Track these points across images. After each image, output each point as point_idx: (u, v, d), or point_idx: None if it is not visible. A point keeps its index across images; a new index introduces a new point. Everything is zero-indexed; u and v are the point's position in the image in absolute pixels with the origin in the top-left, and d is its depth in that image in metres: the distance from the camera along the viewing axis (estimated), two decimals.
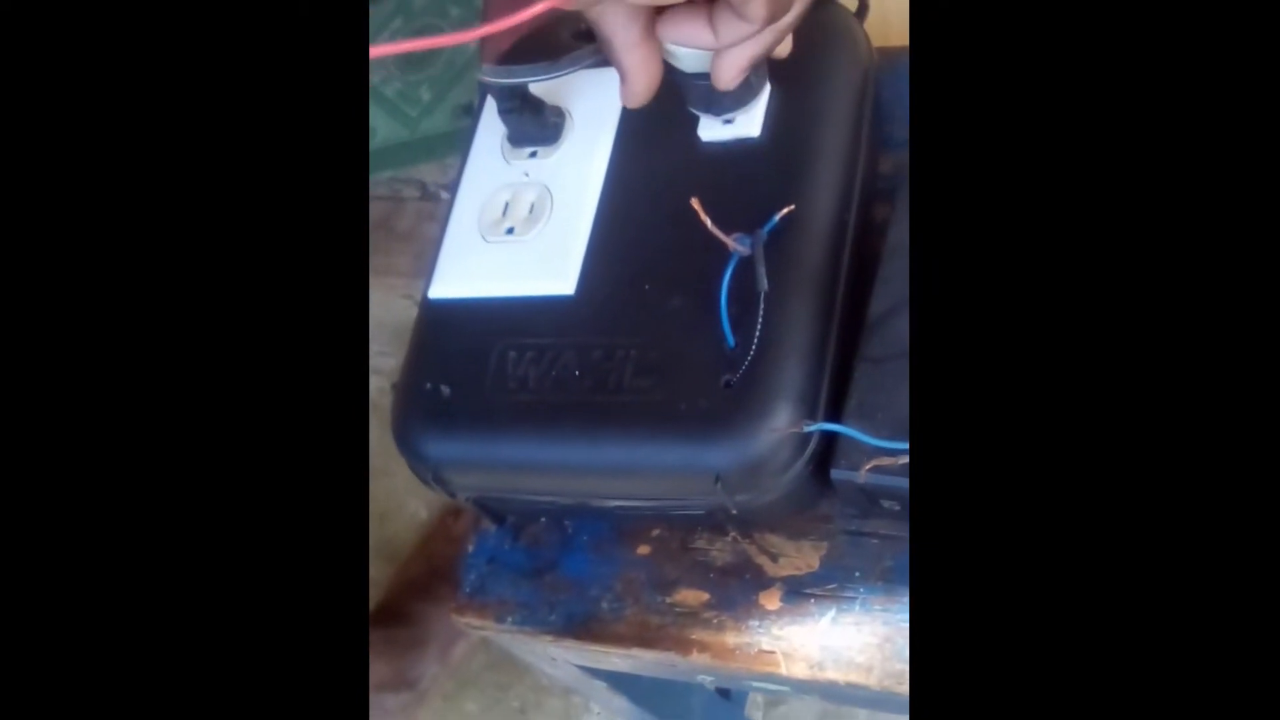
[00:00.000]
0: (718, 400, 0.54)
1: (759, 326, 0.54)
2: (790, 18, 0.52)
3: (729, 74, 0.53)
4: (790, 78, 0.59)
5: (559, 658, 0.69)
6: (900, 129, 0.67)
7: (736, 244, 0.54)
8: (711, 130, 0.60)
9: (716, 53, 0.52)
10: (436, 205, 1.45)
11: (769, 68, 0.59)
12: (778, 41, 0.53)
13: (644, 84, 0.53)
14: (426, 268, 0.64)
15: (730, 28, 0.50)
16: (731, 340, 0.54)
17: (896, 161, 0.66)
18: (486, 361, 0.59)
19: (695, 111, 0.58)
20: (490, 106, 0.65)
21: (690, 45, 0.51)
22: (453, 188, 0.65)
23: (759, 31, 0.51)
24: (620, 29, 0.51)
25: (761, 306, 0.54)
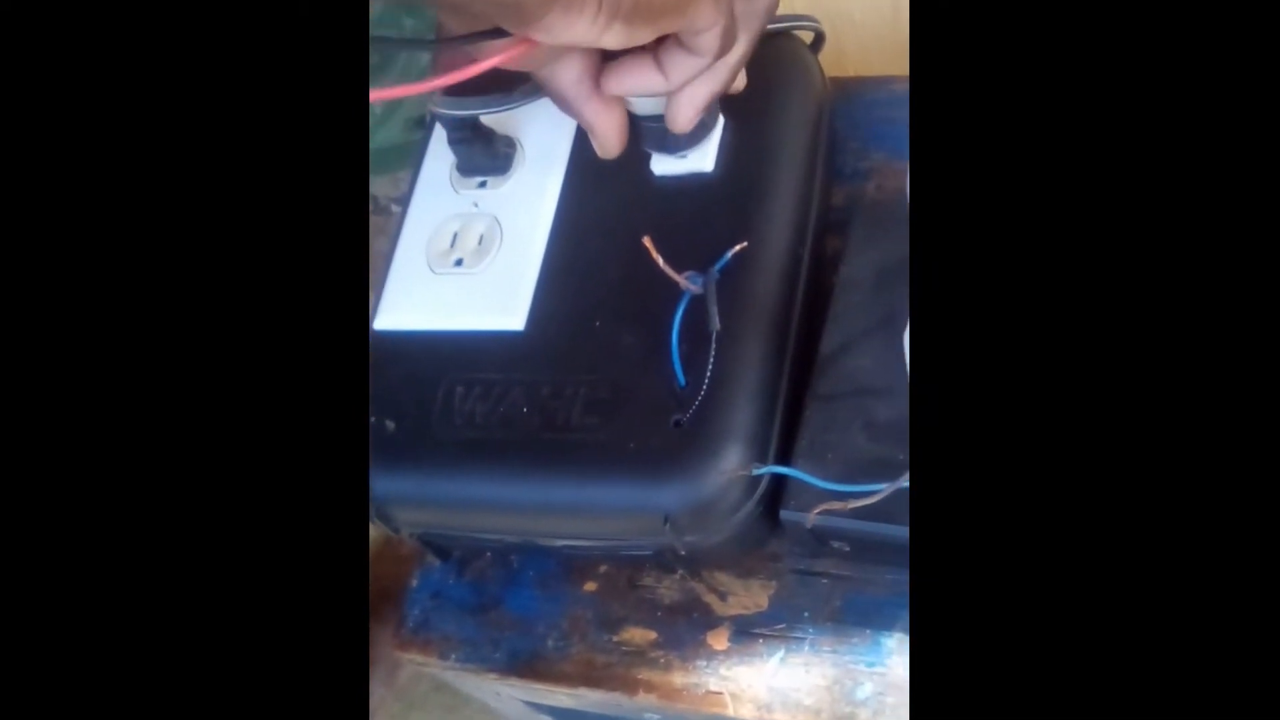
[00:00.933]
0: (668, 440, 0.53)
1: (710, 366, 0.53)
2: (740, 50, 0.51)
3: (686, 114, 0.52)
4: (744, 111, 0.59)
5: (504, 693, 0.68)
6: (853, 160, 0.66)
7: (688, 282, 0.53)
8: (664, 164, 0.59)
9: (671, 95, 0.51)
10: (388, 219, 1.44)
11: (722, 102, 0.58)
12: (732, 77, 0.52)
13: (613, 134, 0.52)
14: (375, 289, 0.62)
15: (681, 66, 0.49)
16: (683, 380, 0.53)
17: (849, 193, 0.65)
18: (433, 396, 0.58)
19: (649, 150, 0.58)
20: (439, 134, 0.64)
21: (642, 92, 0.50)
22: (401, 210, 0.64)
23: (711, 66, 0.50)
24: (571, 86, 0.50)
25: (714, 347, 0.53)
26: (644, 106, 0.55)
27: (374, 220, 1.48)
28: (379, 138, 1.41)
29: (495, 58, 0.45)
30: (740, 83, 0.54)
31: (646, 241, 0.52)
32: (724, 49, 0.49)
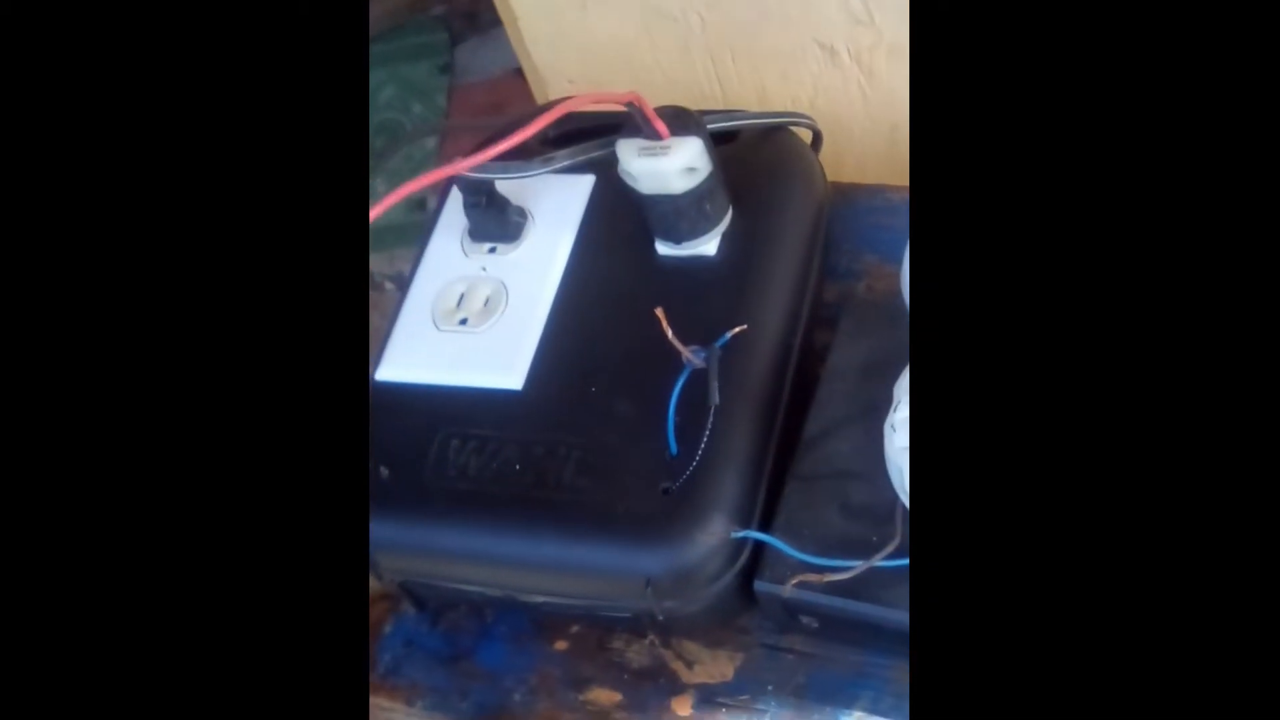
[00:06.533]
0: (655, 506, 0.55)
1: (705, 438, 0.55)
2: None
3: None
4: (747, 201, 0.62)
5: None
6: (846, 260, 0.70)
7: (692, 356, 0.56)
8: (669, 245, 0.62)
9: None
10: (381, 295, 1.46)
11: (731, 193, 0.61)
12: None
13: None
14: (374, 348, 0.64)
15: None
16: (675, 449, 0.56)
17: (840, 290, 0.68)
18: (428, 447, 0.60)
19: (655, 235, 0.61)
20: (454, 199, 0.66)
21: None
22: (409, 274, 0.66)
23: None
24: None
25: (711, 419, 0.55)
26: (649, 186, 0.58)
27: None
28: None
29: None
30: None
31: (659, 312, 0.55)
32: None
